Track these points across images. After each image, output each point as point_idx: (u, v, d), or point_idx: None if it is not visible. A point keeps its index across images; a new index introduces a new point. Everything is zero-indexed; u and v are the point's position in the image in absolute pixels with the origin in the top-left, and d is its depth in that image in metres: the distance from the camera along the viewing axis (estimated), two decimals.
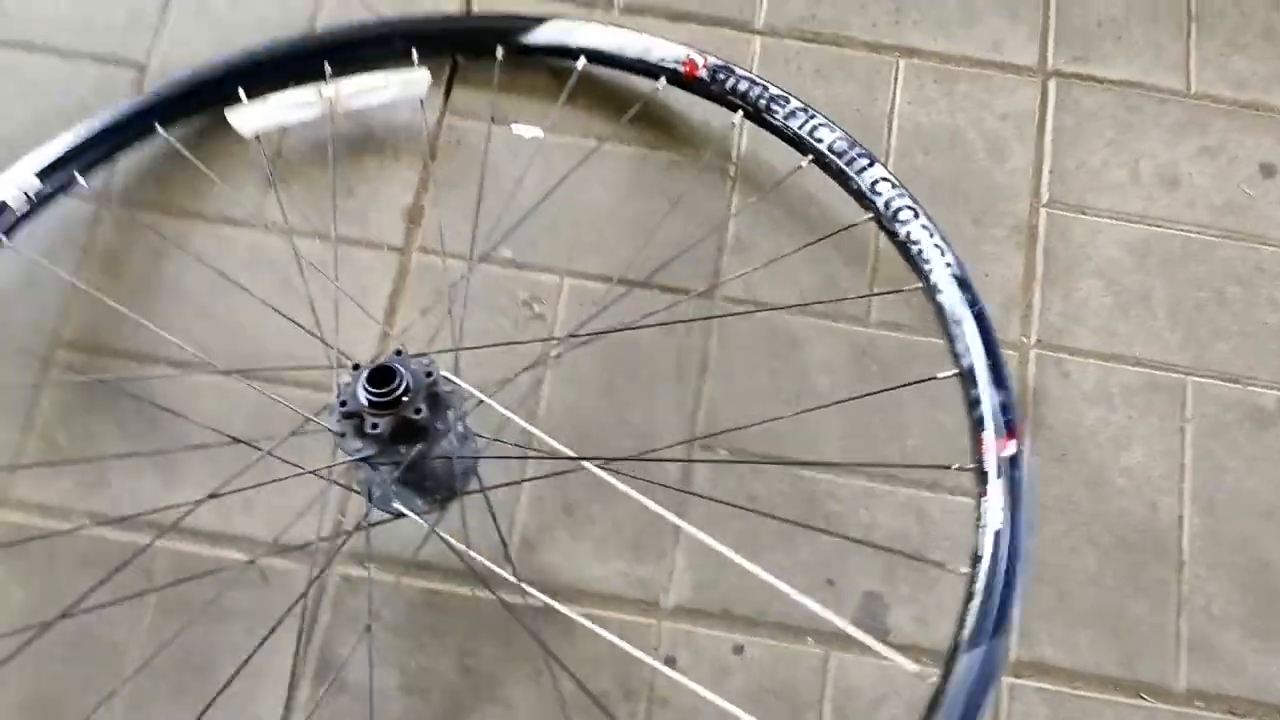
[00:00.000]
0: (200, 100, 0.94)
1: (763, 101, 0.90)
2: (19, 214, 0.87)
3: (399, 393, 0.69)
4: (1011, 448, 0.73)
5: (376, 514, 0.78)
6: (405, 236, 0.95)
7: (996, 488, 0.72)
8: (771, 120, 0.90)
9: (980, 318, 0.78)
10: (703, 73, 0.92)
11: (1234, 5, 1.05)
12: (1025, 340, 0.93)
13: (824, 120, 0.88)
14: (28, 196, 0.87)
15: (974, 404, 0.75)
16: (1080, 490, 0.89)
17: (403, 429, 0.70)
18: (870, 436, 0.90)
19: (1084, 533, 0.87)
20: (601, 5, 1.03)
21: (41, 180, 0.88)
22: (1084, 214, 0.97)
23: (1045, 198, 0.98)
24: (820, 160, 0.88)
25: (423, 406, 0.69)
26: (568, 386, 0.91)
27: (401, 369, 0.69)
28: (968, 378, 0.77)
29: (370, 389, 0.68)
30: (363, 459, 0.70)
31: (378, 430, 0.69)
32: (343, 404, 0.70)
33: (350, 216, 0.95)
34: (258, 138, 0.94)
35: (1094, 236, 0.96)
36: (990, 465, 0.73)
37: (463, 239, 0.92)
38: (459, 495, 0.79)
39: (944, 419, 0.89)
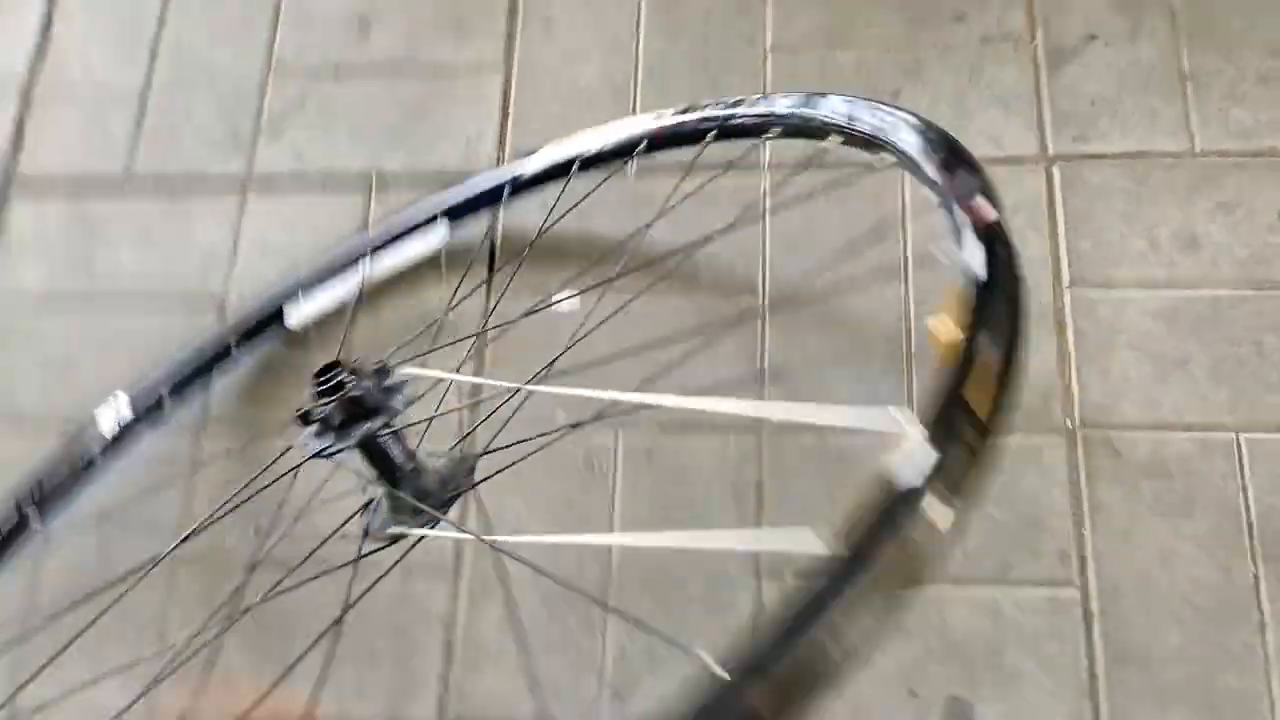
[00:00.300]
0: (262, 325, 1.05)
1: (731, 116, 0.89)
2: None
3: (340, 377, 0.73)
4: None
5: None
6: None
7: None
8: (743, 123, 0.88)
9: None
10: (670, 123, 0.93)
11: (1225, 59, 1.07)
12: (1070, 424, 0.95)
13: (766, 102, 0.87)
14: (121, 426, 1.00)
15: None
16: (1151, 566, 0.89)
17: (354, 412, 0.73)
18: None
19: (1162, 609, 0.88)
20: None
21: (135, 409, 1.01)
22: (1109, 290, 0.99)
23: (1067, 280, 1.00)
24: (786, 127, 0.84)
25: (369, 387, 0.73)
26: (629, 525, 0.96)
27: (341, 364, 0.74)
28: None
29: (316, 381, 0.73)
30: (318, 453, 0.73)
31: (326, 416, 0.73)
32: (301, 414, 0.74)
33: None
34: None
35: (1122, 310, 0.98)
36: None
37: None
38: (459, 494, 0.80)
39: (995, 512, 0.91)
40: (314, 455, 0.73)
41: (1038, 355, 0.98)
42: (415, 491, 0.76)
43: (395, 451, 0.76)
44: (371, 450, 0.74)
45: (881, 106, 0.78)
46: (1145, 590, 0.88)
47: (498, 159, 1.11)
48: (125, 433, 1.02)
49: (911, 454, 0.48)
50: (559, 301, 1.05)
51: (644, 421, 1.00)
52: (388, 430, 0.74)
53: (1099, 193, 1.03)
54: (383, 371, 0.76)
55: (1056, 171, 1.05)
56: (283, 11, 1.21)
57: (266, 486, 0.82)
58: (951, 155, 0.72)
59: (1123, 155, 1.05)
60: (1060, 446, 0.94)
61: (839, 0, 1.13)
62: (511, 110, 1.13)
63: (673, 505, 0.97)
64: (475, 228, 1.06)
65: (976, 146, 1.05)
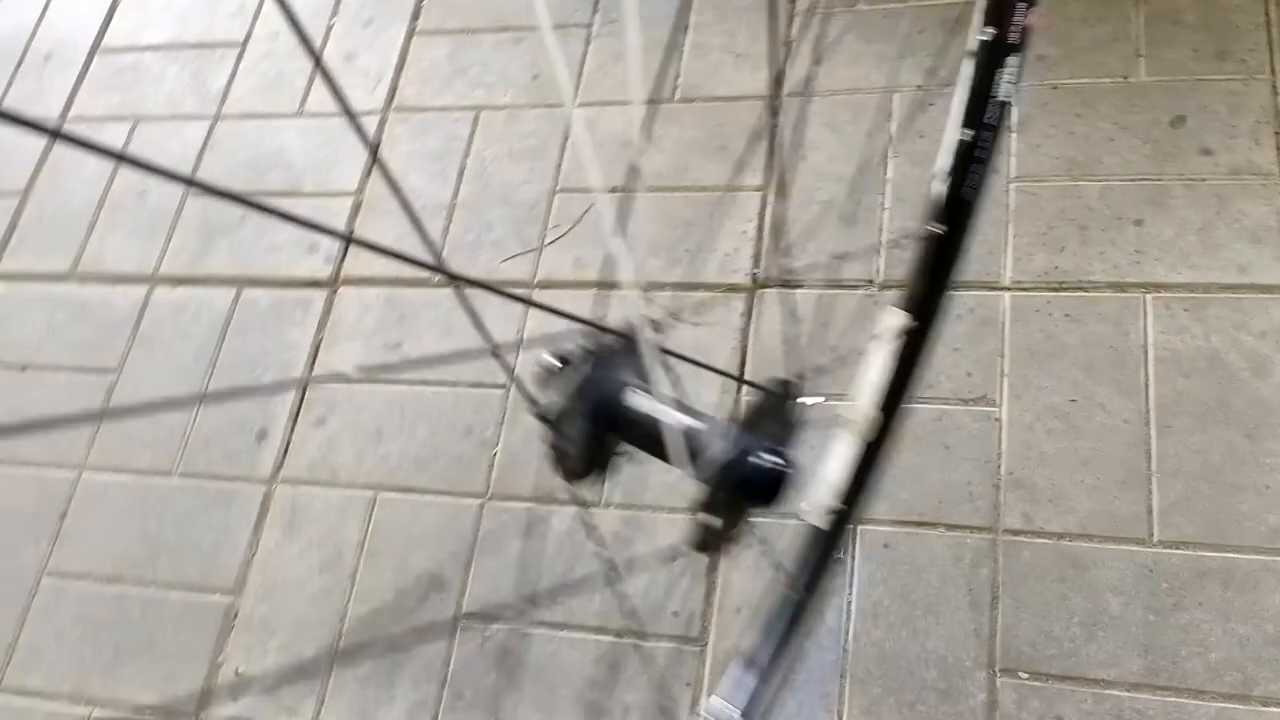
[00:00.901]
0: None
1: None
2: None
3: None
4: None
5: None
6: None
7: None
8: None
9: None
10: None
11: None
12: None
13: None
14: None
15: None
16: None
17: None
18: (1171, 657, 0.94)
19: None
20: (863, 287, 1.21)
21: None
22: None
23: None
24: None
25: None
26: (867, 622, 1.02)
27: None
28: None
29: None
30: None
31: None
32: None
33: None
34: None
35: None
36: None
37: None
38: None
39: (1239, 628, 0.92)
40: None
41: None
42: None
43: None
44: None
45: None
46: None
47: (753, 274, 1.23)
48: None
49: None
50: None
51: None
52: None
53: None
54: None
55: None
56: (568, 138, 1.39)
57: None
58: None
59: None
60: None
61: (1084, 132, 1.20)
62: (766, 230, 1.25)
63: None
64: None
65: (1226, 275, 1.09)
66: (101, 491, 1.31)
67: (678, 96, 1.37)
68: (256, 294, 1.40)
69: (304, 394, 1.31)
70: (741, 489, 0.61)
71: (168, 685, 1.17)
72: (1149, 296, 1.11)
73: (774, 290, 1.21)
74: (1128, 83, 1.22)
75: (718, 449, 0.59)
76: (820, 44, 1.36)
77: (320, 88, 1.53)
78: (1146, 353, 1.08)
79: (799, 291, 1.20)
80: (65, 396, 1.39)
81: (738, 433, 0.61)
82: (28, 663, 1.24)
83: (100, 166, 1.57)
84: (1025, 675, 0.96)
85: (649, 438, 0.60)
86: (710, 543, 0.62)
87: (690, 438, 0.59)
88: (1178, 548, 0.99)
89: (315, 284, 1.38)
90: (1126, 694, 0.94)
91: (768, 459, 0.61)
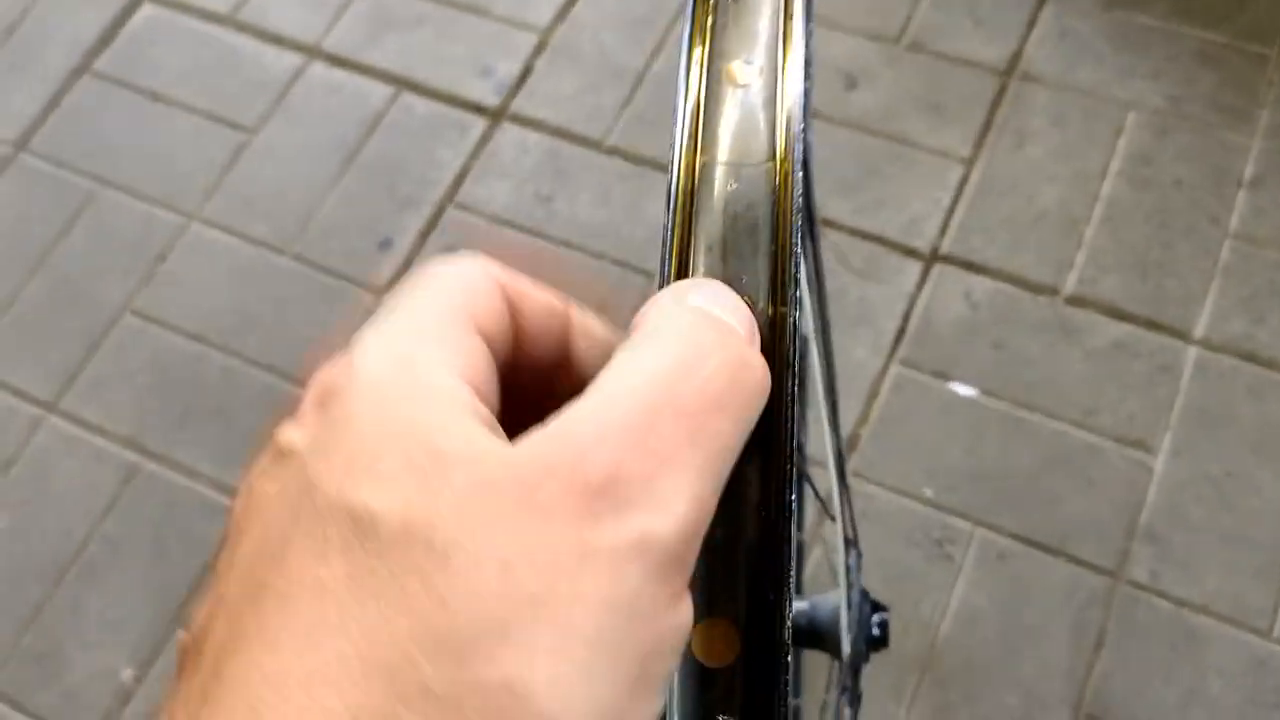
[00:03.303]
0: None
1: None
2: None
3: None
4: None
5: None
6: None
7: None
8: None
9: None
10: None
11: None
12: None
13: None
14: None
15: None
16: None
17: None
18: None
19: None
20: (1046, 295, 1.16)
21: None
22: None
23: None
24: None
25: None
26: (962, 626, 0.99)
27: None
28: None
29: None
30: None
31: None
32: None
33: None
34: None
35: None
36: None
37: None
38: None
39: None
40: None
41: None
42: None
43: None
44: None
45: None
46: None
47: (934, 246, 1.17)
48: None
49: None
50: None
51: None
52: None
53: None
54: None
55: None
56: None
57: None
58: None
59: None
60: None
61: None
62: (961, 204, 1.20)
63: None
64: None
65: None
66: (208, 247, 1.26)
67: (905, 42, 1.30)
68: (415, 101, 1.33)
69: (440, 215, 1.25)
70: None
71: (229, 459, 1.13)
72: None
73: (954, 268, 1.16)
74: None
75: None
76: (1066, 36, 1.28)
77: None
78: None
79: (979, 278, 1.15)
80: (191, 140, 1.33)
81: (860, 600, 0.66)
82: (88, 394, 1.19)
83: None
84: None
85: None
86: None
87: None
88: None
89: (479, 110, 1.32)
90: None
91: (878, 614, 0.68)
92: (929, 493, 1.05)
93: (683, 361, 0.21)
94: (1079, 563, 1.00)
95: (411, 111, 1.32)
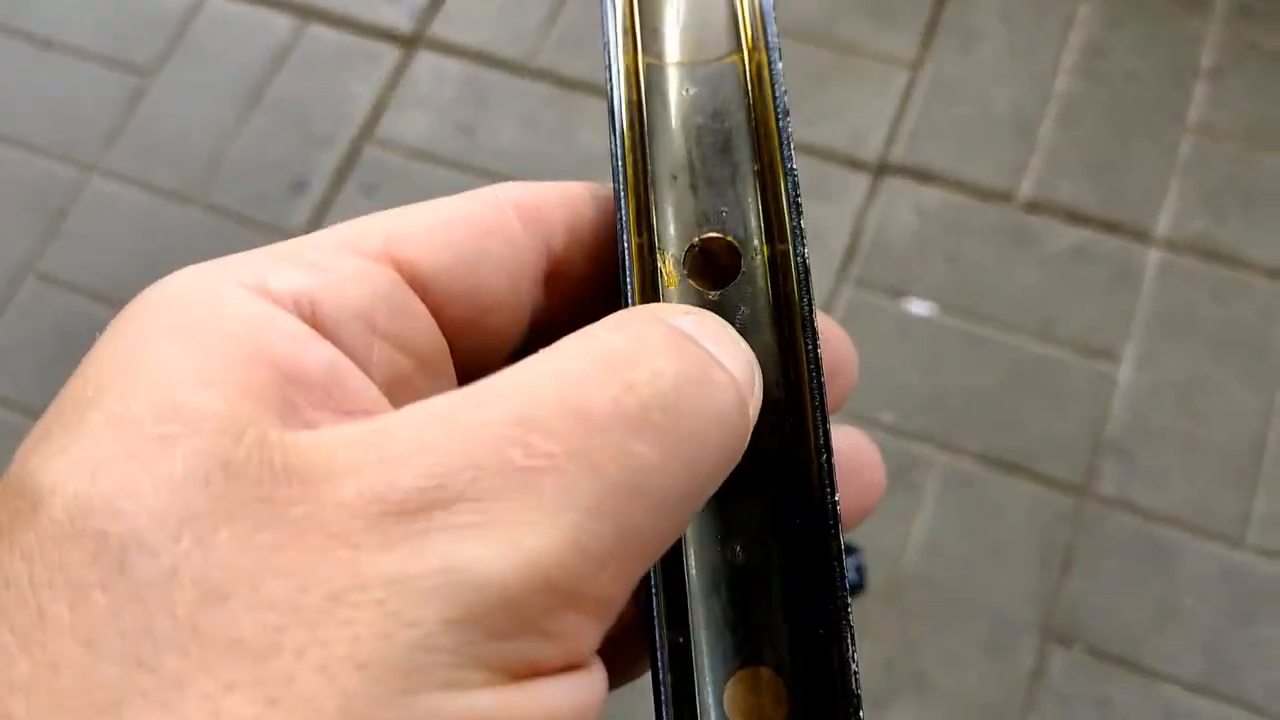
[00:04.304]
0: None
1: None
2: None
3: None
4: None
5: None
6: None
7: None
8: None
9: None
10: None
11: None
12: None
13: None
14: None
15: None
16: None
17: None
18: (1234, 666, 0.89)
19: None
20: (1000, 202, 1.10)
21: None
22: None
23: None
24: None
25: None
26: (928, 556, 0.95)
27: None
28: None
29: None
30: None
31: None
32: None
33: None
34: None
35: None
36: None
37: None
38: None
39: None
40: None
41: None
42: None
43: None
44: None
45: None
46: None
47: (882, 158, 1.11)
48: None
49: None
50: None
51: None
52: None
53: None
54: None
55: None
56: None
57: None
58: None
59: None
60: None
61: (1275, 99, 1.09)
62: (908, 112, 1.13)
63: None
64: None
65: None
66: (111, 200, 1.17)
67: None
68: (323, 31, 1.24)
69: (357, 153, 1.17)
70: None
71: None
72: None
73: (904, 180, 1.10)
74: None
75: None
76: None
77: None
78: None
79: (930, 188, 1.09)
80: (89, 88, 1.23)
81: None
82: None
83: None
84: (1080, 650, 0.90)
85: None
86: None
87: None
88: (1270, 557, 0.92)
89: (392, 37, 1.23)
90: (1181, 693, 0.88)
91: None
92: (890, 419, 1.00)
93: (606, 360, 0.15)
94: (1045, 481, 0.96)
95: (319, 42, 1.23)
